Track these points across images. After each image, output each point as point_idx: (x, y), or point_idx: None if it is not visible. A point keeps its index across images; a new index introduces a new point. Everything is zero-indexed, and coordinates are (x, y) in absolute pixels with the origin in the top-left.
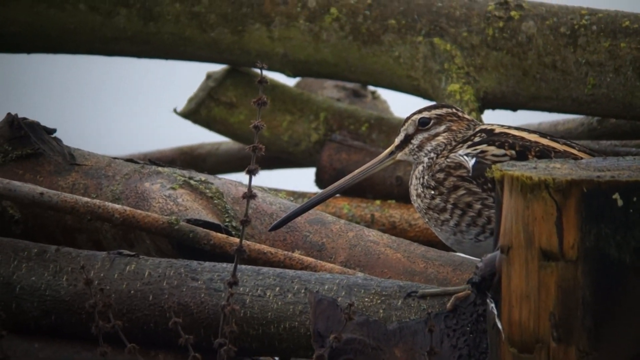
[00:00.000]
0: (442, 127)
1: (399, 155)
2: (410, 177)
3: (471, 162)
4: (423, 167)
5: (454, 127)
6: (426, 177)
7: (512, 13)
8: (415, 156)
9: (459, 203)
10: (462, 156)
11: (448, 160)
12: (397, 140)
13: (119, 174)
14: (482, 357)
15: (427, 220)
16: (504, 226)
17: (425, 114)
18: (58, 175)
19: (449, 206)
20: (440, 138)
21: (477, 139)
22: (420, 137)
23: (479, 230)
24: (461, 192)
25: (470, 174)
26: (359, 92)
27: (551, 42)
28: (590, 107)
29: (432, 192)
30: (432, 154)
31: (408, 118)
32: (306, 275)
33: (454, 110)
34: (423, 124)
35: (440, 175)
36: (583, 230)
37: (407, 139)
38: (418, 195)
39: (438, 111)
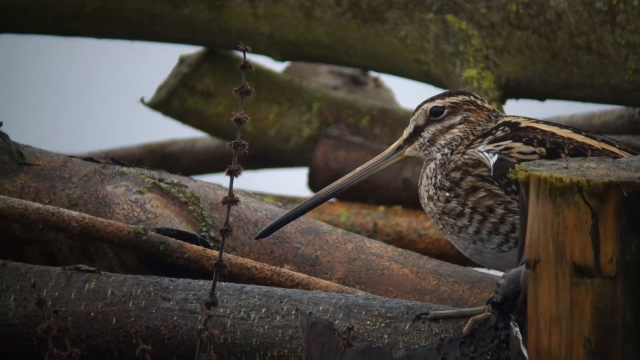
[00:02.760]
0: (458, 118)
1: (408, 151)
2: (420, 176)
3: (493, 159)
4: (435, 164)
5: (471, 118)
6: (439, 176)
7: None
8: (426, 152)
9: (479, 207)
10: (481, 152)
11: (465, 156)
12: (405, 133)
13: (76, 175)
14: None
15: (441, 227)
16: (529, 236)
17: (438, 102)
18: (4, 176)
19: (467, 210)
20: (455, 131)
21: (499, 134)
22: (432, 129)
23: (502, 239)
24: (481, 194)
25: (491, 174)
26: (358, 79)
27: (585, 20)
28: (632, 95)
29: (447, 194)
30: (445, 149)
31: (418, 107)
32: (297, 294)
33: (472, 98)
34: (435, 114)
35: (456, 175)
36: (623, 240)
37: (417, 132)
38: (430, 198)
39: (453, 99)
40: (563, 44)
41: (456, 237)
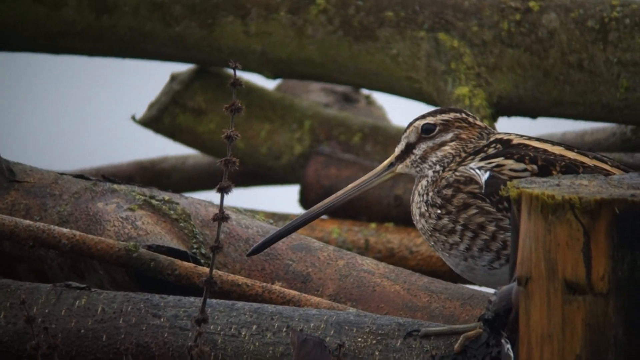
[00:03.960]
0: (450, 135)
1: (399, 168)
2: (412, 193)
3: (484, 176)
4: (427, 181)
5: (463, 136)
6: (431, 193)
7: (531, 4)
8: (417, 169)
9: (470, 224)
10: (473, 169)
11: (457, 174)
12: (397, 150)
13: (67, 192)
14: None
15: (432, 243)
16: (521, 253)
17: (430, 120)
18: None
19: (459, 227)
20: (447, 148)
21: (491, 151)
22: (423, 146)
23: (494, 256)
24: (472, 211)
25: (483, 191)
26: (350, 96)
27: (577, 38)
28: (623, 113)
29: (439, 211)
30: (437, 167)
31: (410, 124)
32: (288, 311)
33: (464, 116)
34: (427, 131)
35: (448, 192)
36: (615, 258)
37: (409, 149)
38: (422, 215)
39: (445, 116)
40: (555, 62)
41: (447, 254)
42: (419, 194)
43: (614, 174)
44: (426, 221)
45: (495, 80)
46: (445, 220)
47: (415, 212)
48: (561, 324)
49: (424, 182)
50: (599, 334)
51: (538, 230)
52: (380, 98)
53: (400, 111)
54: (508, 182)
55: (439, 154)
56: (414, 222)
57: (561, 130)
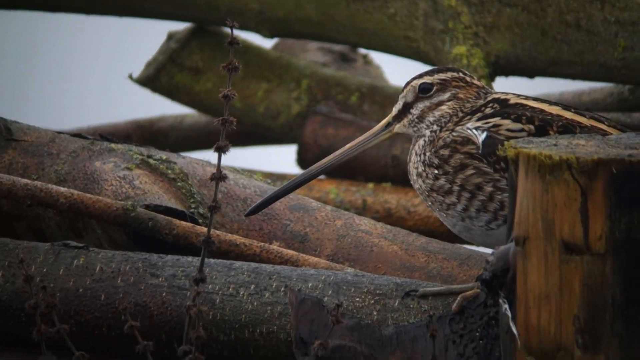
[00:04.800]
0: (447, 95)
1: (397, 127)
2: (410, 153)
3: (481, 136)
4: (424, 141)
5: (460, 95)
6: (428, 153)
7: None
8: (415, 128)
9: (467, 184)
10: (470, 130)
11: (454, 134)
12: (394, 110)
13: (64, 151)
14: None
15: (429, 203)
16: (519, 213)
17: (427, 79)
18: None
19: (456, 188)
20: (444, 107)
21: (488, 111)
22: (421, 105)
23: (491, 216)
24: (469, 171)
25: (480, 151)
26: (347, 55)
27: None
28: (621, 73)
29: (436, 171)
30: (434, 126)
31: (407, 84)
32: (286, 270)
33: (461, 75)
34: (424, 91)
35: (445, 152)
36: (612, 218)
37: (406, 109)
38: (419, 175)
39: (442, 75)
40: (552, 21)
41: (445, 214)
42: (416, 154)
43: (611, 133)
44: (423, 181)
45: (492, 40)
46: (442, 181)
47: (413, 172)
48: (559, 284)
49: (421, 142)
50: (596, 294)
51: (535, 190)
52: (378, 57)
53: (398, 71)
54: (505, 142)
55: (437, 113)
56: (411, 182)
57: (559, 90)
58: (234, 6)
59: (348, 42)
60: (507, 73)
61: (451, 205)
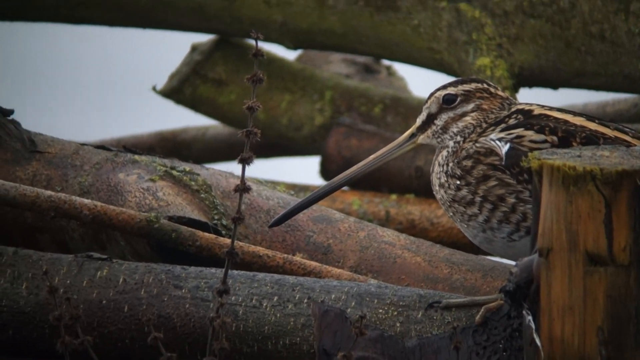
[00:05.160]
0: (471, 106)
1: (421, 139)
2: (433, 164)
3: (504, 148)
4: (448, 152)
5: (484, 106)
6: (451, 164)
7: None
8: (439, 139)
9: (490, 196)
10: (494, 141)
11: (477, 145)
12: (418, 121)
13: (88, 163)
14: None
15: (451, 214)
16: (542, 225)
17: (451, 90)
18: (16, 164)
19: (478, 199)
20: (468, 118)
21: (512, 121)
22: (444, 116)
23: (513, 228)
24: (492, 183)
25: (503, 162)
26: (371, 67)
27: (599, 8)
28: None
29: (458, 181)
30: (458, 137)
31: (431, 95)
32: (309, 282)
33: (485, 86)
34: (448, 102)
35: (468, 163)
36: (636, 229)
37: (430, 119)
38: (441, 185)
39: (466, 86)
40: (577, 32)
41: (466, 225)
42: (439, 164)
43: (635, 144)
44: (445, 192)
45: (516, 51)
46: (464, 192)
47: (435, 182)
48: (582, 296)
49: (444, 153)
50: (620, 305)
51: (559, 202)
52: (402, 69)
53: (422, 82)
54: (529, 154)
55: (460, 124)
56: (434, 193)
57: (583, 101)
58: (257, 18)
59: (371, 54)
60: (530, 84)
61: (472, 216)
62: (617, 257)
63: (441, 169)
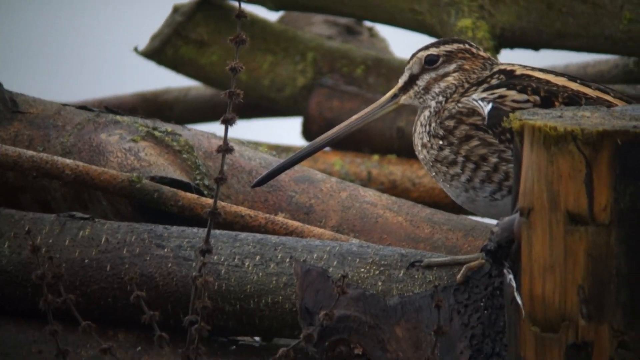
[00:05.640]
0: (453, 66)
1: (403, 99)
2: (415, 124)
3: (487, 108)
4: (430, 112)
5: (466, 66)
6: (433, 124)
7: None
8: (421, 99)
9: (472, 155)
10: (476, 101)
11: (459, 105)
12: (400, 82)
13: (69, 123)
14: (498, 337)
15: (434, 174)
16: (523, 185)
17: (433, 51)
18: None
19: (460, 159)
20: (450, 79)
21: (494, 82)
22: (426, 77)
23: (495, 187)
24: (474, 142)
25: (485, 122)
26: (353, 28)
27: None
28: (627, 45)
29: (440, 141)
30: (440, 97)
31: (413, 55)
32: (291, 241)
33: (467, 47)
34: (430, 62)
35: (450, 123)
36: (617, 189)
37: (412, 80)
38: (424, 146)
39: (448, 47)
40: None
41: (448, 185)
42: (421, 125)
43: (617, 105)
44: (428, 152)
45: (498, 12)
46: (446, 152)
47: (417, 142)
48: (563, 255)
49: (426, 113)
50: (601, 264)
51: (540, 162)
52: (383, 30)
53: (403, 43)
54: (510, 114)
55: (442, 84)
56: (416, 153)
57: (564, 62)
58: None
59: (353, 15)
60: (512, 45)
61: (455, 176)
62: (597, 217)
63: (423, 129)
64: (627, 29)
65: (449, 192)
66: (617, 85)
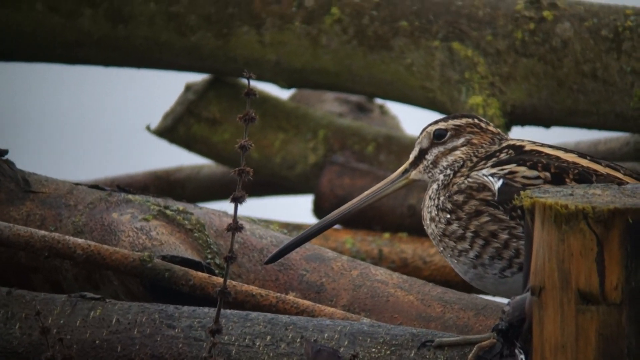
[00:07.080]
0: (461, 140)
1: (413, 174)
2: (424, 198)
3: (497, 184)
4: (438, 185)
5: (474, 141)
6: (442, 197)
7: (545, 13)
8: (430, 174)
9: (482, 231)
10: (486, 176)
11: (469, 180)
12: (411, 157)
13: (81, 202)
14: None
15: (441, 249)
16: (535, 263)
17: (442, 125)
18: (10, 204)
19: (469, 234)
20: (458, 152)
21: (503, 156)
22: (435, 151)
23: (505, 264)
24: (484, 218)
25: (495, 198)
26: (364, 106)
27: (591, 47)
28: (637, 123)
29: (448, 215)
30: (448, 171)
31: (423, 130)
32: (302, 321)
33: (476, 121)
34: (439, 137)
35: (459, 197)
36: (628, 268)
37: (422, 155)
38: (432, 219)
39: (456, 122)
40: (569, 71)
41: (456, 261)
42: (430, 198)
43: (627, 182)
44: (436, 225)
45: (509, 90)
46: (454, 226)
47: (426, 216)
48: (575, 334)
49: (434, 186)
50: (612, 344)
51: (551, 240)
52: (394, 108)
53: (414, 121)
54: (522, 192)
55: (450, 158)
56: (425, 227)
57: (575, 139)
58: (251, 57)
59: (364, 93)
60: (523, 123)
61: (463, 251)
62: (609, 296)
63: (432, 203)
64: (638, 107)
65: (457, 268)
66: (628, 162)
